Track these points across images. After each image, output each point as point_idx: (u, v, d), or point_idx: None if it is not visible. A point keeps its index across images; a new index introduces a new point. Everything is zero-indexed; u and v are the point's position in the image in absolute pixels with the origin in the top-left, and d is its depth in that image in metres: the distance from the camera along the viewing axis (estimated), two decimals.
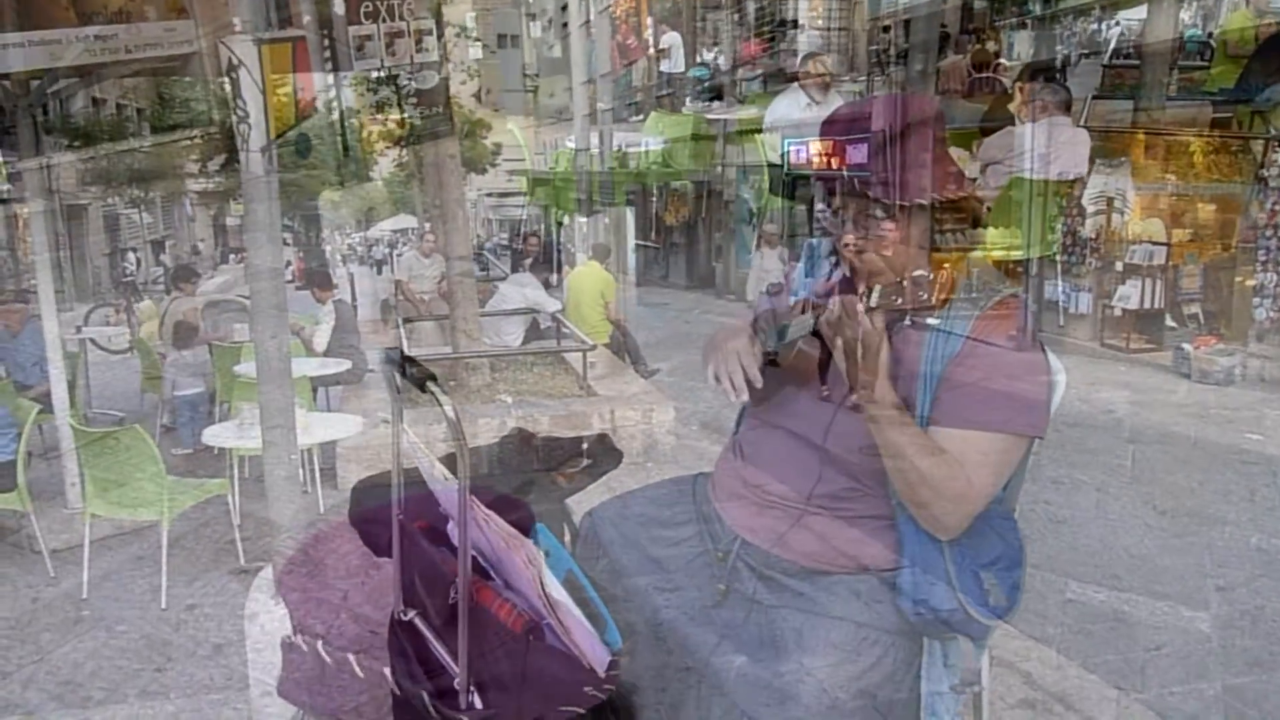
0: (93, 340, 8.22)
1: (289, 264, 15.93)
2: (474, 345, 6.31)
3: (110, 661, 3.39)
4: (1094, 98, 9.00)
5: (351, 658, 1.75)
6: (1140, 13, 10.11)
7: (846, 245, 1.70)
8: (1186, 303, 8.01)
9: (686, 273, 13.38)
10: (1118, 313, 8.04)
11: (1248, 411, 6.29)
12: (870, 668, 1.62)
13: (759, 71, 12.38)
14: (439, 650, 1.50)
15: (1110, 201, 7.94)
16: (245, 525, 4.40)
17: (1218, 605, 3.49)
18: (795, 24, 11.65)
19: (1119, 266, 7.95)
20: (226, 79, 3.49)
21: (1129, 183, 7.91)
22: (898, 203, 1.62)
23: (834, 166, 1.65)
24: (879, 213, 1.65)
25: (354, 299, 9.97)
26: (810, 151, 1.68)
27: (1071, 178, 5.81)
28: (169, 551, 3.95)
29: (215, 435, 4.71)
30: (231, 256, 18.80)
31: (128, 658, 3.41)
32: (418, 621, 1.57)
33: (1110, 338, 8.11)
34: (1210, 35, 9.67)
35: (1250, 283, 7.17)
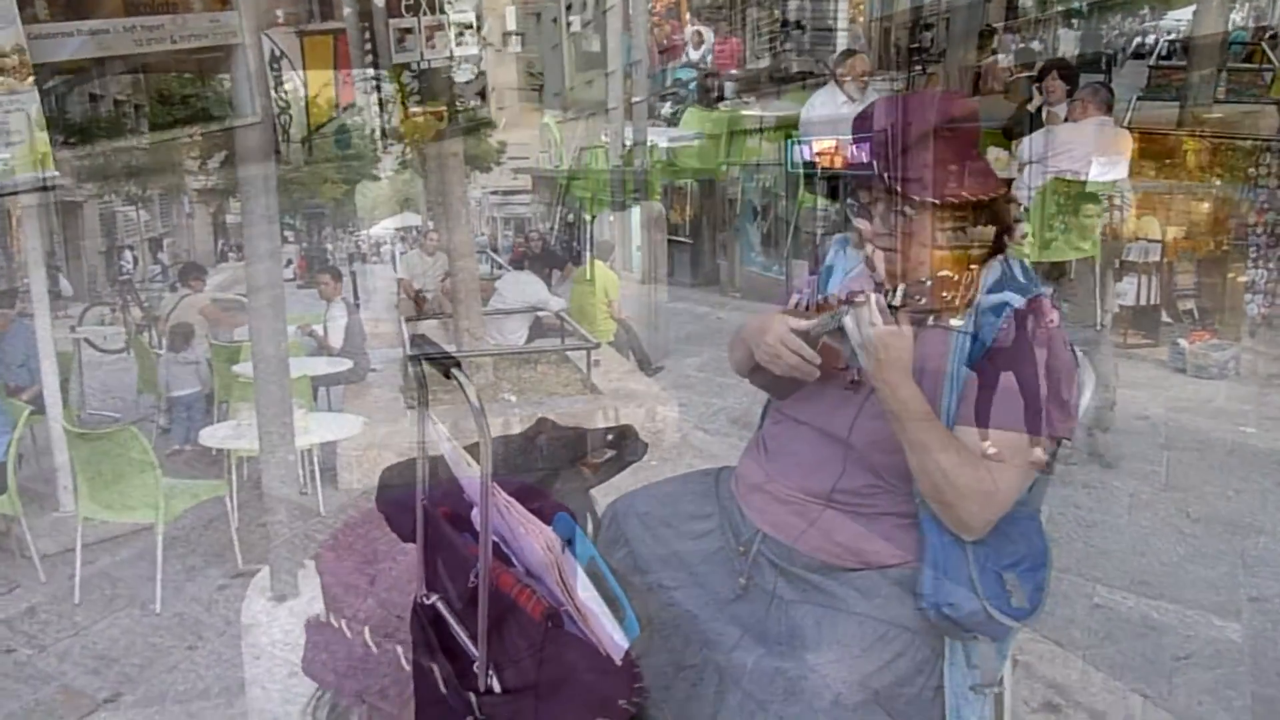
0: (88, 340, 8.15)
1: (290, 262, 15.97)
2: (477, 344, 6.30)
3: (103, 664, 3.37)
4: (1140, 98, 8.85)
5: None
6: (1187, 14, 9.93)
7: (873, 243, 1.69)
8: (1182, 299, 7.98)
9: (691, 270, 13.37)
10: (1115, 309, 7.97)
11: (1243, 405, 6.29)
12: (888, 665, 1.61)
13: (742, 72, 12.28)
14: (459, 633, 1.52)
15: (1111, 199, 7.88)
16: (243, 527, 4.32)
17: (1249, 615, 3.44)
18: (798, 25, 11.53)
19: (1116, 264, 7.88)
20: (269, 70, 3.53)
21: (1127, 181, 7.86)
22: (927, 201, 1.61)
23: (863, 163, 1.64)
24: (908, 210, 1.64)
25: (355, 297, 9.97)
26: (839, 148, 1.68)
27: (1111, 179, 5.74)
28: (164, 555, 3.86)
29: (213, 436, 4.63)
30: (231, 254, 18.78)
31: (120, 662, 3.39)
32: (439, 605, 1.59)
33: (1108, 333, 8.04)
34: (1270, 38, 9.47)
35: (1242, 279, 7.13)
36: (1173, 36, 10.29)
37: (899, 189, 1.62)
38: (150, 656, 3.44)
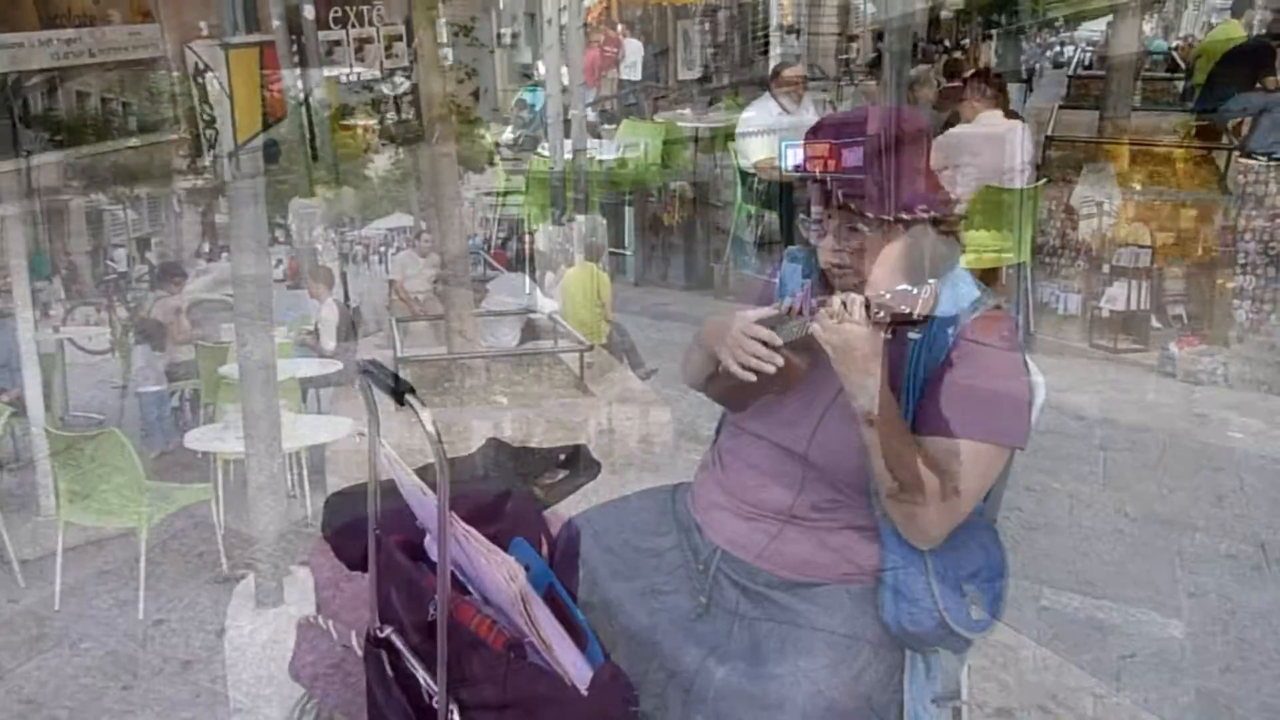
0: (72, 340, 7.96)
1: (280, 263, 15.59)
2: (469, 346, 6.24)
3: (73, 680, 3.27)
4: (1060, 107, 9.15)
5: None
6: (1102, 25, 10.34)
7: (830, 260, 1.69)
8: (1171, 304, 8.11)
9: (686, 274, 13.38)
10: (1105, 314, 8.09)
11: (1230, 411, 6.39)
12: (853, 680, 1.60)
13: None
14: (417, 668, 1.47)
15: (1099, 205, 8.07)
16: (229, 533, 4.24)
17: (1190, 611, 3.52)
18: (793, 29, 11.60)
19: (1106, 269, 8.04)
20: (193, 84, 3.44)
21: (1115, 187, 8.04)
22: (883, 218, 1.61)
23: (817, 177, 1.63)
24: (863, 226, 1.64)
25: (347, 299, 9.77)
26: (792, 160, 1.68)
27: (1016, 177, 5.74)
28: (147, 560, 3.80)
29: (198, 438, 4.59)
30: (223, 254, 18.37)
31: (97, 674, 3.30)
32: (394, 638, 1.54)
33: (1099, 338, 8.16)
34: (1175, 47, 9.90)
35: (1231, 285, 7.31)
36: (1091, 50, 10.67)
37: (853, 205, 1.61)
38: (127, 666, 3.35)
